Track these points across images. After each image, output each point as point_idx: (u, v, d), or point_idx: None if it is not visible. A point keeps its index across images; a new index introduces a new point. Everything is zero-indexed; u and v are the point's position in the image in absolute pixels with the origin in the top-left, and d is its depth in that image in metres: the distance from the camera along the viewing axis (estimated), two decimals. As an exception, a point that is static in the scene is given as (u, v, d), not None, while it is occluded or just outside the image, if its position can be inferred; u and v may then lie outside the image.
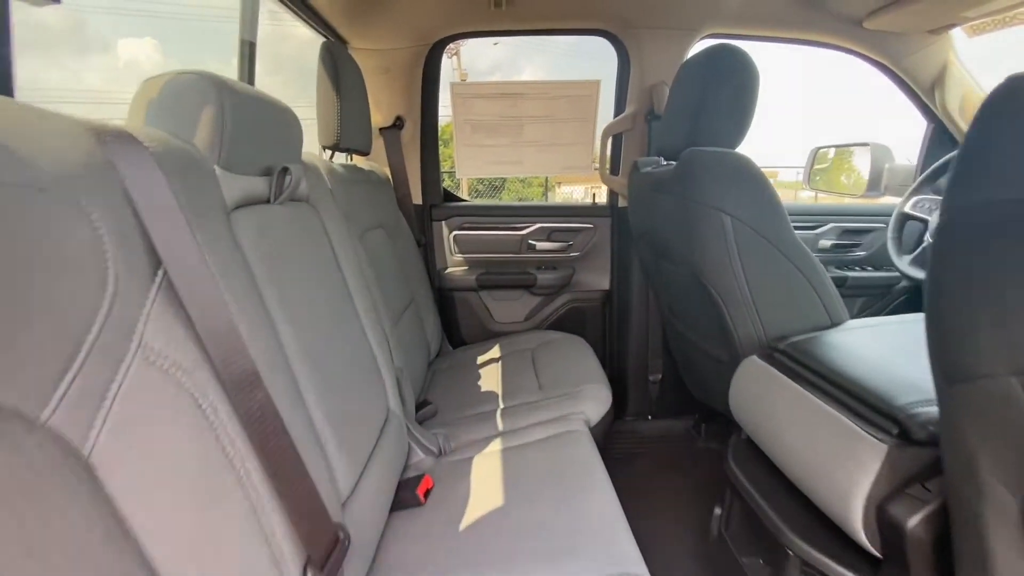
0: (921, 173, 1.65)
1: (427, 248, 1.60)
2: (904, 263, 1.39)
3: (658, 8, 1.31)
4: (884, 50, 1.40)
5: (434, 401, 1.18)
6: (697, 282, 1.02)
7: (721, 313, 0.97)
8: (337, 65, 1.05)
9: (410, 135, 1.50)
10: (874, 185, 1.69)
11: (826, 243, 1.68)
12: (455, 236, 1.64)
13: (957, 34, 1.34)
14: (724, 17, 1.35)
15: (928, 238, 1.36)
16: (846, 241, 1.68)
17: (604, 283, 1.67)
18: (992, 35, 1.28)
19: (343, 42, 1.35)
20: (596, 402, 1.10)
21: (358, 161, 1.36)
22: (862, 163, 1.75)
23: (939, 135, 1.56)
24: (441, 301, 1.64)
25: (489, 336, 1.60)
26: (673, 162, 1.18)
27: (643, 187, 1.21)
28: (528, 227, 1.63)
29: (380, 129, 1.46)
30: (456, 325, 1.68)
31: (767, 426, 0.86)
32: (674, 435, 1.62)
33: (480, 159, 1.59)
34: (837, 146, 1.92)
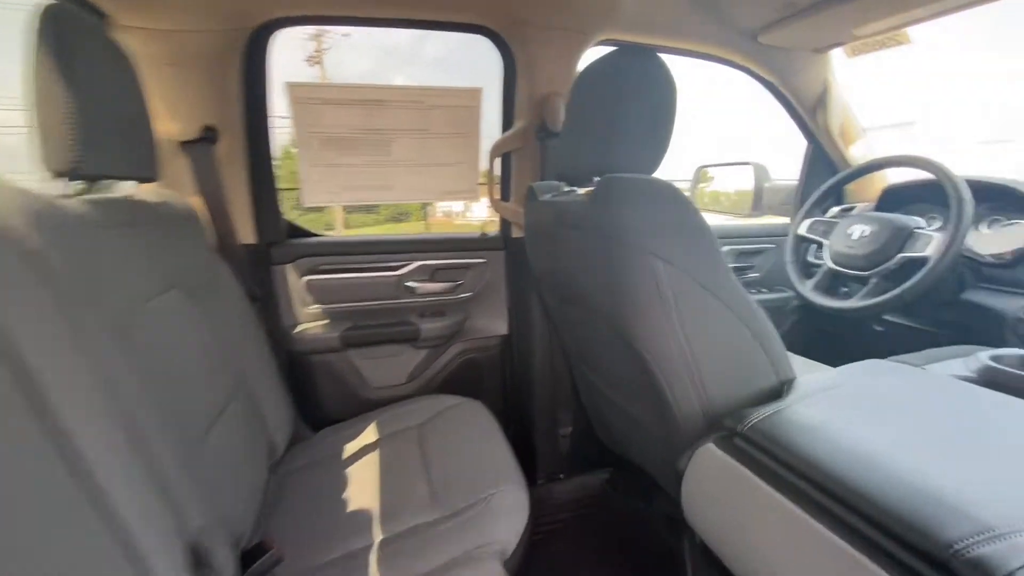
0: (801, 192, 1.68)
1: (266, 303, 1.19)
2: (807, 289, 1.34)
3: (548, 4, 1.09)
4: (774, 68, 1.34)
5: (278, 538, 0.80)
6: (619, 339, 0.80)
7: (654, 381, 0.75)
8: (68, 42, 0.64)
9: (228, 151, 1.09)
10: (757, 204, 1.66)
11: (725, 267, 1.60)
12: (308, 283, 1.25)
13: (838, 56, 1.33)
14: (620, 21, 1.18)
15: (828, 261, 1.31)
16: (742, 264, 1.63)
17: (501, 327, 1.41)
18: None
19: (99, 15, 0.90)
20: (511, 517, 0.82)
21: (145, 190, 0.92)
22: (744, 182, 1.72)
23: (817, 155, 1.56)
24: (294, 370, 1.24)
25: (364, 407, 1.24)
26: (576, 189, 0.96)
27: (543, 218, 0.98)
28: (405, 266, 1.30)
29: (181, 144, 1.03)
30: (317, 399, 1.29)
31: (738, 543, 0.65)
32: (591, 494, 1.41)
33: (333, 182, 1.23)
34: (720, 164, 1.90)
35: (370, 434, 1.11)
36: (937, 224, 1.18)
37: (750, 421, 0.69)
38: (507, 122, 1.26)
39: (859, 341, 1.51)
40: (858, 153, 1.50)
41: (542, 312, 1.28)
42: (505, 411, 1.42)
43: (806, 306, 1.64)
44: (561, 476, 1.44)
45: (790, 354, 1.24)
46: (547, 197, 0.98)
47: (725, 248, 1.58)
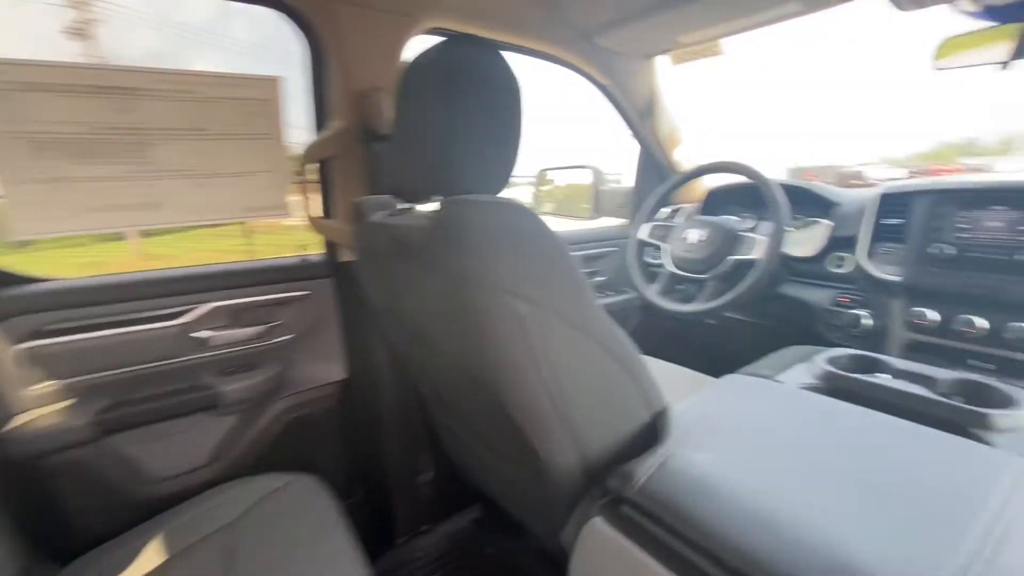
0: (637, 196, 1.73)
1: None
2: (653, 293, 1.35)
3: None
4: (609, 71, 1.32)
5: None
6: (480, 391, 0.65)
7: (524, 439, 0.62)
8: None
9: None
10: (596, 207, 1.67)
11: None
12: (29, 352, 0.85)
13: (664, 63, 1.36)
14: (451, 6, 1.01)
15: (669, 265, 1.35)
16: (588, 269, 1.62)
17: (337, 371, 1.15)
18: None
19: None
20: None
21: None
22: (584, 185, 1.72)
23: (647, 160, 1.62)
24: (13, 484, 0.84)
25: (145, 512, 0.89)
26: (415, 206, 0.79)
27: (376, 245, 0.78)
28: (190, 311, 0.97)
29: None
30: (62, 519, 0.89)
31: None
32: (459, 541, 1.25)
33: (59, 204, 0.85)
34: (559, 168, 1.88)
35: (152, 555, 0.79)
36: (751, 223, 1.28)
37: (637, 481, 0.59)
38: (319, 122, 1.01)
39: (697, 336, 1.61)
40: (679, 158, 1.59)
41: (384, 347, 1.08)
42: (348, 474, 1.18)
43: (649, 306, 1.71)
44: (425, 528, 1.26)
45: (645, 357, 1.24)
46: (379, 216, 0.78)
47: (575, 255, 1.55)
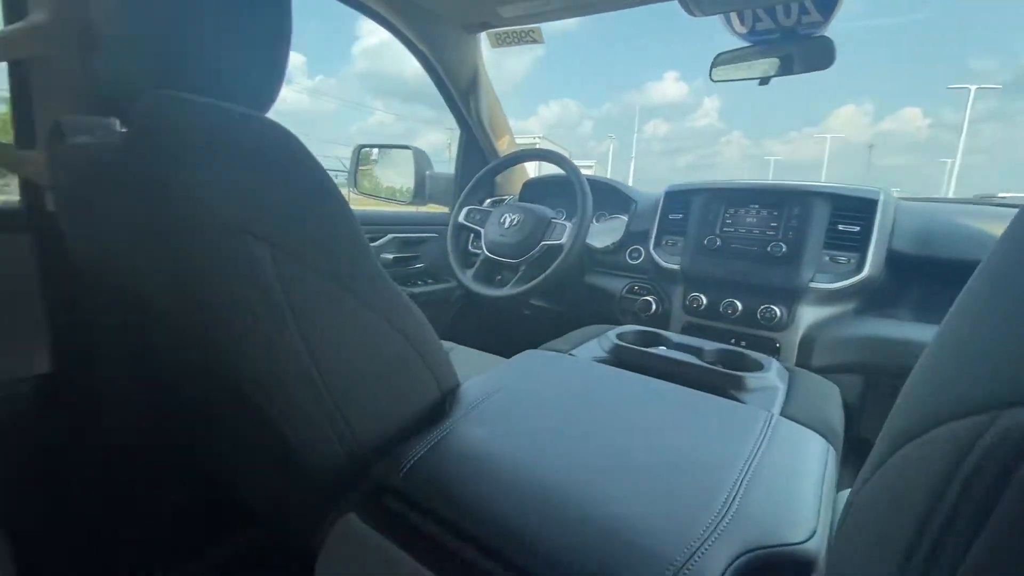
0: (458, 180, 1.68)
1: None
2: (468, 278, 1.31)
3: None
4: (430, 38, 1.23)
5: None
6: (208, 365, 0.50)
7: (270, 424, 0.49)
8: None
9: None
10: (419, 192, 1.58)
11: (388, 257, 1.45)
12: None
13: (485, 43, 1.32)
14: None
15: (484, 250, 1.31)
16: (407, 253, 1.51)
17: (34, 363, 0.84)
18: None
19: None
20: None
21: None
22: (405, 168, 1.62)
23: (470, 144, 1.58)
24: None
25: None
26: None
27: (77, 176, 0.57)
28: None
29: None
30: None
31: None
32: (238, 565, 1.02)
33: None
34: (380, 146, 1.75)
35: None
36: (564, 215, 1.32)
37: (405, 465, 0.50)
38: (13, 11, 0.73)
39: (513, 326, 1.61)
40: (504, 148, 1.58)
41: (109, 333, 0.82)
42: (38, 519, 0.87)
43: (469, 296, 1.67)
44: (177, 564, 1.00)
45: (459, 347, 1.17)
46: (82, 139, 0.57)
47: (388, 236, 1.42)
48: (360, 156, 1.72)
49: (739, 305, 1.04)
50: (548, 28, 1.23)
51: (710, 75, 1.09)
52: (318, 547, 0.51)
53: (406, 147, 1.62)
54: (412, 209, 1.63)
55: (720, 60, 1.07)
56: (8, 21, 0.73)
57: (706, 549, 0.37)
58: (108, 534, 0.89)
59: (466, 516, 0.44)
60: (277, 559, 0.91)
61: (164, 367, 0.65)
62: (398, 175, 1.61)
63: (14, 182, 0.81)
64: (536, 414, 0.60)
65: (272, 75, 0.54)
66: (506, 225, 1.27)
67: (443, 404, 0.61)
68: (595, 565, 0.37)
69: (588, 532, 0.40)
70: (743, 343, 1.04)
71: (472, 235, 1.44)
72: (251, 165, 0.42)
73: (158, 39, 0.49)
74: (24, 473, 0.84)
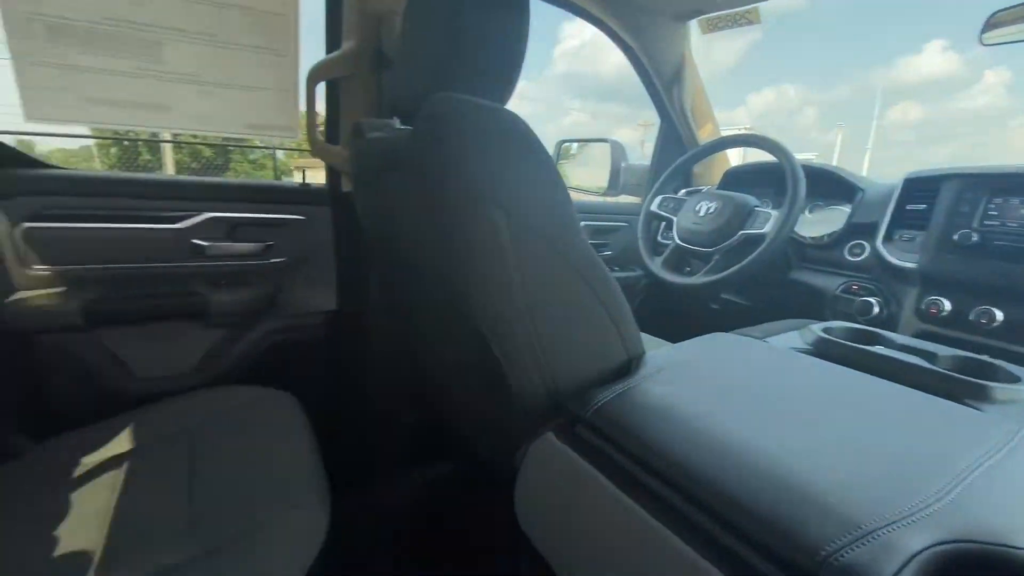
0: (655, 171, 1.69)
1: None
2: (656, 265, 1.32)
3: None
4: (635, 30, 1.28)
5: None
6: (453, 310, 0.64)
7: (492, 362, 0.60)
8: None
9: None
10: (613, 183, 1.64)
11: (581, 243, 1.54)
12: (28, 233, 0.87)
13: (694, 29, 1.31)
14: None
15: (676, 238, 1.30)
16: (597, 241, 1.59)
17: (327, 302, 1.15)
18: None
19: None
20: (293, 550, 0.61)
21: None
22: (603, 160, 1.69)
23: (669, 134, 1.57)
24: (9, 356, 0.86)
25: (124, 404, 0.90)
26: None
27: (370, 163, 0.77)
28: (190, 217, 0.99)
29: None
30: (43, 397, 0.92)
31: (572, 551, 0.53)
32: (432, 492, 1.24)
33: (70, 91, 0.86)
34: (579, 141, 1.85)
35: (122, 442, 0.80)
36: (771, 204, 1.22)
37: (594, 404, 0.57)
38: (332, 43, 1.01)
39: (700, 319, 1.56)
40: (706, 138, 1.54)
41: (380, 283, 1.07)
42: (327, 404, 1.18)
43: (654, 285, 1.66)
44: (397, 474, 1.25)
45: (642, 334, 1.20)
46: (376, 135, 0.77)
47: (581, 224, 1.52)
48: (561, 151, 1.86)
49: (998, 315, 0.85)
50: (766, 8, 1.16)
51: (980, 39, 0.90)
52: (517, 464, 0.61)
53: (604, 140, 1.69)
54: (606, 201, 1.69)
55: (998, 19, 0.87)
56: (329, 50, 1.02)
57: (906, 524, 0.35)
58: (360, 431, 1.17)
59: (648, 452, 0.48)
60: (481, 477, 1.07)
61: (416, 311, 0.83)
62: (588, 170, 1.69)
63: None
64: (724, 384, 0.61)
65: (514, 73, 0.66)
66: (701, 213, 1.24)
67: (628, 365, 0.67)
68: (775, 510, 0.38)
69: (771, 484, 0.40)
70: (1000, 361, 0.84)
71: (664, 224, 1.44)
72: (499, 148, 0.54)
73: (430, 57, 0.64)
74: (318, 377, 1.16)
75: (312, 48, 1.03)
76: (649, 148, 1.74)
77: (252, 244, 1.04)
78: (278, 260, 1.08)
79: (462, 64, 0.64)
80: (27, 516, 0.67)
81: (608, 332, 0.65)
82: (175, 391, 0.95)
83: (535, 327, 0.57)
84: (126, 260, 0.94)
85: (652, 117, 1.61)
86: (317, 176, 1.17)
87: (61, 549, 0.62)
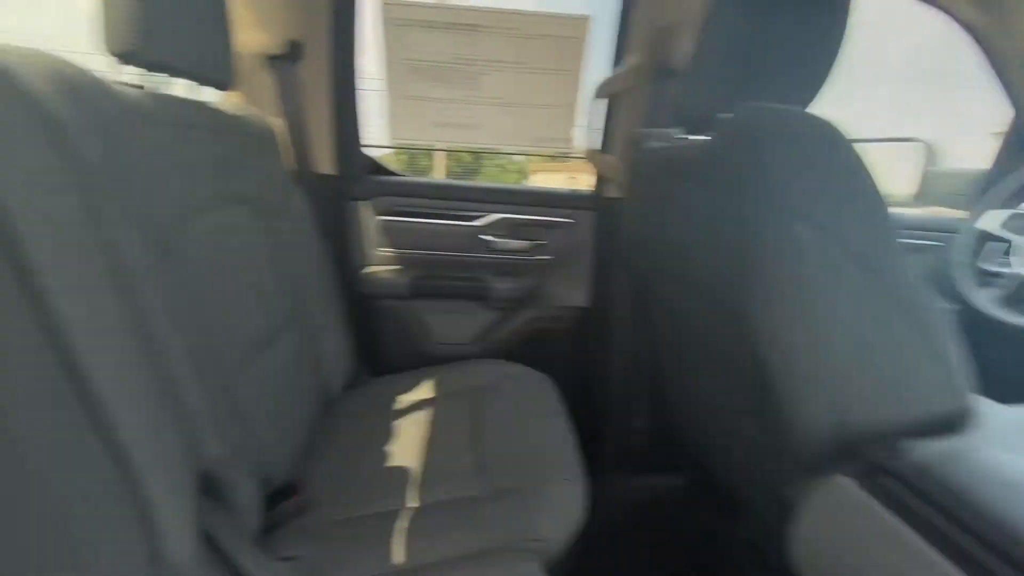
0: (990, 177, 1.31)
1: (337, 239, 1.14)
2: (983, 299, 1.04)
3: None
4: (989, 4, 1.01)
5: (312, 482, 0.75)
6: (732, 328, 0.62)
7: (772, 385, 0.57)
8: None
9: (314, 72, 1.03)
10: (920, 192, 1.33)
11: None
12: (383, 223, 1.18)
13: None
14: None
15: (1018, 266, 1.00)
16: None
17: (579, 298, 1.25)
18: None
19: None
20: (562, 514, 0.69)
21: (230, 98, 0.88)
22: (910, 164, 1.39)
23: (1021, 130, 1.20)
24: (358, 312, 1.19)
25: (424, 361, 1.16)
26: (702, 138, 0.78)
27: (651, 171, 0.80)
28: (482, 217, 1.19)
29: (266, 58, 0.98)
30: (379, 346, 1.23)
31: None
32: (661, 500, 1.24)
33: (420, 118, 1.13)
34: (874, 140, 1.56)
35: (426, 390, 1.03)
36: None
37: (914, 459, 0.49)
38: (617, 58, 1.08)
39: None
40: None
41: (627, 286, 1.11)
42: (574, 392, 1.29)
43: (972, 324, 1.30)
44: (630, 475, 1.28)
45: None
46: (658, 145, 0.81)
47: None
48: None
49: None
50: None
51: None
52: (790, 497, 0.57)
53: (910, 139, 1.39)
54: (910, 212, 1.40)
55: None
56: (614, 65, 1.09)
57: None
58: (596, 424, 1.25)
59: (984, 521, 0.40)
60: (715, 495, 1.03)
61: (675, 320, 0.84)
62: (897, 172, 1.40)
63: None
64: None
65: (822, 74, 0.60)
66: (1074, 236, 0.92)
67: (953, 418, 0.55)
68: None
69: None
70: None
71: (999, 249, 1.12)
72: (816, 162, 0.51)
73: (729, 65, 0.63)
74: (567, 366, 1.27)
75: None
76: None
77: (526, 242, 1.20)
78: (544, 257, 1.22)
79: (765, 70, 0.61)
80: (360, 432, 0.91)
81: (925, 369, 0.55)
82: (458, 357, 1.17)
83: (832, 349, 0.53)
84: (439, 248, 1.20)
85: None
86: (550, 181, 1.28)
87: (382, 464, 0.83)
